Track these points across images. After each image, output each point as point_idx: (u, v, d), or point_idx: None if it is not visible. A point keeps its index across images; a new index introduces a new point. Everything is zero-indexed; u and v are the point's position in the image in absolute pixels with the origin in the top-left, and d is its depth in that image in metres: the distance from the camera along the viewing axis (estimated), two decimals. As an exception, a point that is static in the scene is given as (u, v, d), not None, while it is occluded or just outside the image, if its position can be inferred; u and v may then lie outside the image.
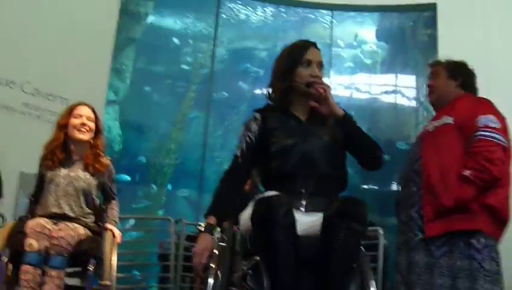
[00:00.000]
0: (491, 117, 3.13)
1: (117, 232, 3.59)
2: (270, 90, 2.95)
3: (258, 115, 2.88)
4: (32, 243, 3.13)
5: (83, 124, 3.65)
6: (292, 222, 2.30)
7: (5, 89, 7.41)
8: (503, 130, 3.19)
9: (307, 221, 2.41)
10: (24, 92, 7.54)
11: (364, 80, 13.57)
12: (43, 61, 7.42)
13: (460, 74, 3.47)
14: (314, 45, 2.91)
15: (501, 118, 3.27)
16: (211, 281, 2.38)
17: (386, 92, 12.52)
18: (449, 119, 3.25)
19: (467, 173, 3.03)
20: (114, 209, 3.74)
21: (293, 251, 2.24)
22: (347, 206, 2.34)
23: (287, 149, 2.67)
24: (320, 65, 2.86)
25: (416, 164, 3.36)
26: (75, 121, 3.64)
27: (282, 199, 2.34)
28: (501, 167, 3.09)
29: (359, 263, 2.42)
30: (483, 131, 3.12)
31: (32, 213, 3.65)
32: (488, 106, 3.30)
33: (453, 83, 3.46)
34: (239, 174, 2.81)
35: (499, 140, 3.03)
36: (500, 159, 3.09)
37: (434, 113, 3.65)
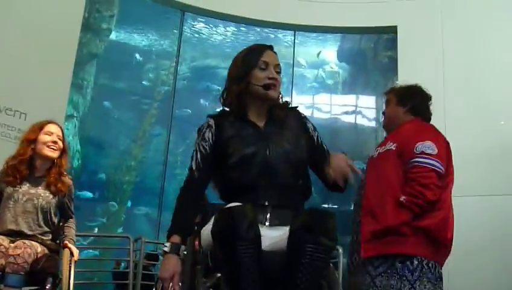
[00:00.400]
0: (428, 143, 3.19)
1: (75, 251, 3.53)
2: (225, 95, 2.76)
3: (211, 122, 2.70)
4: None
5: (54, 142, 3.59)
6: (257, 235, 2.13)
7: (-39, 102, 7.27)
8: (440, 156, 3.25)
9: (272, 236, 2.25)
10: (-18, 106, 7.41)
11: (326, 100, 13.71)
12: (2, 75, 7.30)
13: (409, 99, 3.52)
14: (270, 48, 2.75)
15: (440, 144, 3.32)
16: None
17: (346, 112, 12.68)
18: (392, 146, 3.32)
19: (402, 198, 3.11)
20: (72, 228, 3.68)
21: (256, 268, 2.09)
22: (314, 219, 2.17)
23: (247, 158, 2.48)
24: (277, 67, 2.69)
25: (363, 189, 3.44)
26: (46, 138, 3.57)
27: (246, 210, 2.18)
28: (436, 191, 3.15)
29: (328, 280, 2.29)
30: (418, 157, 3.19)
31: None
32: (427, 132, 3.36)
33: (401, 109, 3.52)
34: (196, 189, 2.58)
35: (434, 165, 3.10)
36: (434, 184, 3.15)
37: None
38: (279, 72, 2.69)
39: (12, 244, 3.18)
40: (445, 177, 3.26)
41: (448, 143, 3.39)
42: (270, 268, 2.16)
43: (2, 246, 3.11)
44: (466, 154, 7.45)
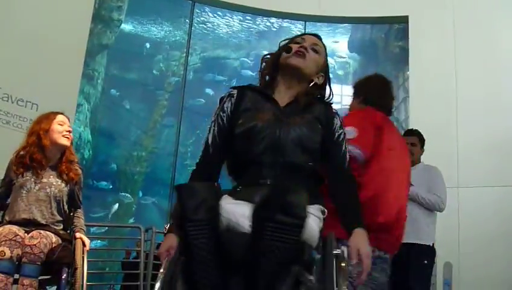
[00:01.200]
0: (348, 129, 3.17)
1: (87, 241, 3.56)
2: (261, 69, 2.58)
3: (234, 92, 2.51)
4: (5, 251, 3.07)
5: (68, 131, 3.65)
6: (208, 218, 1.91)
7: (-27, 93, 7.32)
8: (358, 140, 3.25)
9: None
10: (-7, 97, 7.46)
11: (336, 91, 13.64)
12: (14, 67, 7.34)
13: (361, 91, 3.60)
14: (314, 35, 2.63)
15: (365, 127, 3.32)
16: (157, 285, 2.05)
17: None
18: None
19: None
20: (81, 218, 3.72)
21: (206, 252, 1.89)
22: (273, 195, 1.93)
23: (254, 132, 2.33)
24: (314, 46, 2.54)
25: None
26: (60, 128, 3.62)
27: (195, 188, 2.00)
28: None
29: (308, 265, 2.08)
30: None
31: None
32: (352, 118, 3.39)
33: (356, 100, 3.60)
34: (210, 166, 2.42)
35: (349, 150, 3.06)
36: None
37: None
38: (316, 51, 2.54)
39: (27, 235, 3.21)
40: (372, 159, 3.21)
41: (385, 124, 3.36)
42: (238, 252, 1.95)
43: (18, 236, 3.13)
44: (477, 146, 7.45)
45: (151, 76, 14.06)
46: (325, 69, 2.58)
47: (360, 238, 2.20)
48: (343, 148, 2.48)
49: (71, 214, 3.66)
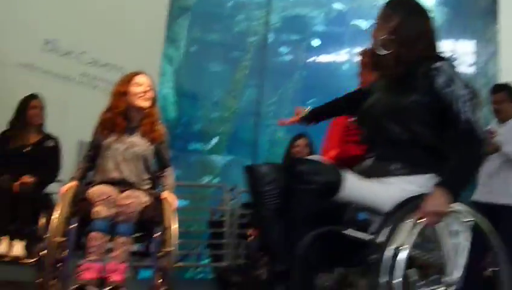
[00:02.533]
0: None
1: (174, 200, 3.63)
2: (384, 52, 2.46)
3: None
4: (100, 211, 3.19)
5: (145, 92, 3.68)
6: (273, 188, 2.24)
7: (62, 59, 7.56)
8: None
9: (359, 185, 2.23)
10: (81, 62, 7.68)
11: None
12: (99, 32, 7.52)
13: None
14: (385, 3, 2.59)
15: None
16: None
17: (443, 58, 12.25)
18: None
19: None
20: (170, 177, 3.77)
21: (274, 218, 2.21)
22: (289, 166, 2.26)
23: (362, 113, 2.55)
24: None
25: None
26: (136, 89, 3.66)
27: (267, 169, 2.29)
28: None
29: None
30: None
31: (89, 180, 3.72)
32: None
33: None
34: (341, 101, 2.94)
35: None
36: None
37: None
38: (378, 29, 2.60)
39: (121, 195, 3.29)
40: None
41: None
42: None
43: (112, 196, 3.23)
44: None
45: (232, 37, 14.07)
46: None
47: (430, 197, 2.20)
48: (457, 107, 2.36)
49: (159, 173, 3.73)
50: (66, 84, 7.53)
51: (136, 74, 3.73)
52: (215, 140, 13.74)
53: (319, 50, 15.10)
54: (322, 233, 2.10)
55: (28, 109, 4.69)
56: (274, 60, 13.57)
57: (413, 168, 2.30)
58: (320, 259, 2.16)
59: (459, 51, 12.01)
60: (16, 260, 4.14)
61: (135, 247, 3.59)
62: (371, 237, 2.13)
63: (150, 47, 8.02)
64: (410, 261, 2.06)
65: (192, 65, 13.45)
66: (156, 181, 3.74)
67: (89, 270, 2.95)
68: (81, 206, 3.28)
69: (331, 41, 15.10)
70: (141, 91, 3.61)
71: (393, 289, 1.97)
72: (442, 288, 2.14)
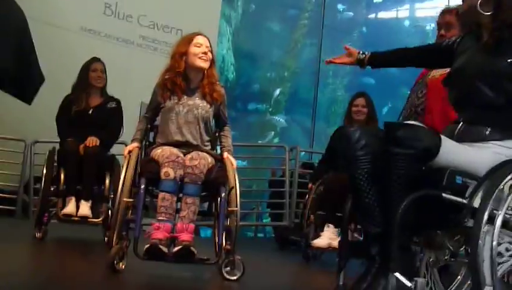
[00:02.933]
0: None
1: (234, 161, 3.66)
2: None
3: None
4: (169, 172, 3.22)
5: (205, 53, 3.67)
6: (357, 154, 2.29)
7: (123, 23, 7.67)
8: None
9: (454, 150, 2.24)
10: (141, 25, 7.77)
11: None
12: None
13: None
14: None
15: None
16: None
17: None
18: None
19: None
20: (228, 137, 3.79)
21: (368, 182, 2.25)
22: (388, 131, 2.23)
23: (452, 74, 2.48)
24: None
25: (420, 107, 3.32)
26: (196, 50, 3.65)
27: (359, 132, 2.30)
28: None
29: None
30: None
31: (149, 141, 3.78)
32: None
33: None
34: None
35: None
36: None
37: None
38: None
39: (188, 156, 3.35)
40: None
41: None
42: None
43: (179, 158, 3.27)
44: None
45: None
46: None
47: None
48: None
49: (218, 133, 3.76)
50: (127, 48, 7.65)
51: (196, 34, 3.72)
52: (275, 100, 13.75)
53: (378, 6, 14.83)
54: (419, 196, 2.12)
55: (90, 72, 4.77)
56: (333, 18, 13.38)
57: (506, 133, 2.27)
58: (416, 222, 2.19)
59: None
60: (83, 220, 4.27)
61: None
62: (466, 200, 2.12)
63: (208, 8, 8.03)
64: (504, 225, 2.05)
65: (250, 25, 13.42)
66: (214, 141, 3.77)
67: (159, 230, 3.01)
68: (147, 167, 3.34)
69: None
70: (201, 52, 3.61)
71: (494, 250, 1.98)
72: None
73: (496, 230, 2.01)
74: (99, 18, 7.51)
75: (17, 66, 2.47)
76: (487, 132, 2.27)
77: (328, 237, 4.36)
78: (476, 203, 2.08)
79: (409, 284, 2.03)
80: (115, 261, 2.94)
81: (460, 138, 2.28)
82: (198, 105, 3.56)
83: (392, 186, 2.16)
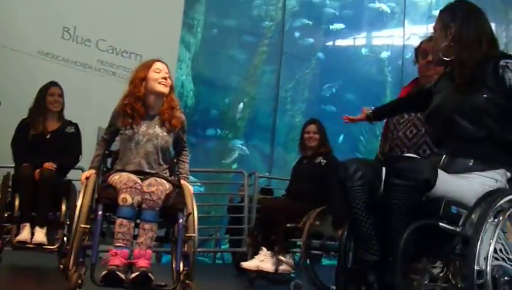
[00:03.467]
0: None
1: (190, 188, 3.67)
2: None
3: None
4: (126, 198, 3.21)
5: (164, 78, 3.69)
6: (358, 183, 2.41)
7: (81, 47, 7.62)
8: None
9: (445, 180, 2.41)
10: (99, 49, 7.74)
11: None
12: (116, 19, 7.57)
13: None
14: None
15: None
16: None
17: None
18: None
19: None
20: (186, 163, 3.80)
21: (363, 209, 2.38)
22: (389, 163, 2.41)
23: (431, 112, 2.63)
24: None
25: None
26: (156, 75, 3.66)
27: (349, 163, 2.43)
28: None
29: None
30: None
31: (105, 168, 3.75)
32: None
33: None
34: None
35: None
36: None
37: None
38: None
39: (146, 182, 3.34)
40: None
41: None
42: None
43: (137, 184, 3.26)
44: None
45: (249, 22, 14.06)
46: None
47: None
48: None
49: (176, 158, 3.76)
50: (85, 72, 7.60)
51: (155, 61, 3.74)
52: (234, 126, 13.77)
53: (336, 34, 15.06)
54: (419, 226, 2.25)
55: (47, 96, 4.71)
56: (291, 45, 13.54)
57: (488, 164, 2.42)
58: (415, 250, 2.30)
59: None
60: (38, 247, 4.18)
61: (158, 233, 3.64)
62: (459, 229, 2.27)
63: (168, 34, 8.04)
64: (495, 252, 2.18)
65: (210, 51, 13.48)
66: (172, 168, 3.77)
67: (116, 256, 2.99)
68: (105, 193, 3.32)
69: (349, 25, 15.07)
70: (160, 77, 3.63)
71: (486, 275, 2.09)
72: None
73: (489, 256, 2.13)
74: (57, 42, 7.45)
75: None
76: (470, 163, 2.44)
77: (258, 260, 4.46)
78: (469, 231, 2.22)
79: None
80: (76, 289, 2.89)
81: (444, 170, 2.42)
82: (158, 134, 3.56)
83: (393, 215, 2.28)
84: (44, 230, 4.21)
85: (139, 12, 7.68)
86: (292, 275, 4.61)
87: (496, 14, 10.57)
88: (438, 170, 2.34)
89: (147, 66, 3.64)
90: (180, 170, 3.71)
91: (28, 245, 4.12)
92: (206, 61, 13.45)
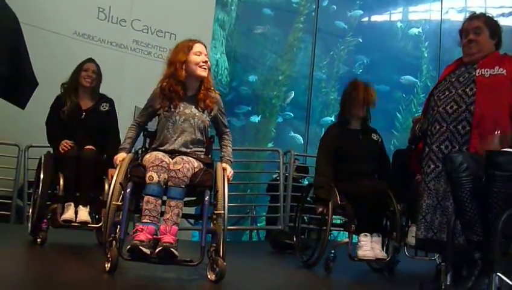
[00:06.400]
0: None
1: (230, 172, 3.66)
2: None
3: None
4: (153, 176, 3.26)
5: (205, 62, 3.69)
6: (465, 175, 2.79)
7: (116, 27, 7.68)
8: None
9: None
10: (134, 29, 7.78)
11: (480, 3, 12.91)
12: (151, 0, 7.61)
13: (497, 34, 3.64)
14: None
15: None
16: None
17: (502, 15, 11.93)
18: (503, 71, 3.42)
19: None
20: (228, 146, 3.79)
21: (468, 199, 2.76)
22: (490, 157, 2.73)
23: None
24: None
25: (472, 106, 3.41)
26: (196, 58, 3.65)
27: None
28: None
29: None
30: None
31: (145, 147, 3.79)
32: None
33: (491, 42, 3.58)
34: None
35: None
36: None
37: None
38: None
39: (172, 160, 3.37)
40: None
41: None
42: None
43: (164, 162, 3.30)
44: None
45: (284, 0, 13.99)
46: None
47: None
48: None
49: (219, 141, 3.78)
50: (121, 52, 7.66)
51: (194, 42, 3.72)
52: (269, 104, 13.76)
53: (371, 9, 14.87)
54: None
55: (81, 71, 4.70)
56: (326, 22, 13.41)
57: None
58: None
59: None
60: (82, 225, 4.25)
61: (188, 210, 3.67)
62: None
63: (202, 12, 8.04)
64: None
65: (244, 29, 13.44)
66: (210, 146, 3.78)
67: (142, 232, 3.04)
68: (135, 171, 3.36)
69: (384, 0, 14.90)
70: (201, 60, 3.62)
71: None
72: None
73: None
74: (92, 22, 7.52)
75: (11, 69, 2.47)
76: None
77: (369, 248, 4.01)
78: None
79: (511, 282, 2.48)
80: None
81: None
82: (195, 114, 3.58)
83: (493, 201, 2.67)
84: (87, 209, 4.29)
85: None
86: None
87: None
88: None
89: (188, 47, 3.62)
90: (223, 153, 3.72)
91: (73, 223, 4.20)
92: (240, 39, 13.43)
